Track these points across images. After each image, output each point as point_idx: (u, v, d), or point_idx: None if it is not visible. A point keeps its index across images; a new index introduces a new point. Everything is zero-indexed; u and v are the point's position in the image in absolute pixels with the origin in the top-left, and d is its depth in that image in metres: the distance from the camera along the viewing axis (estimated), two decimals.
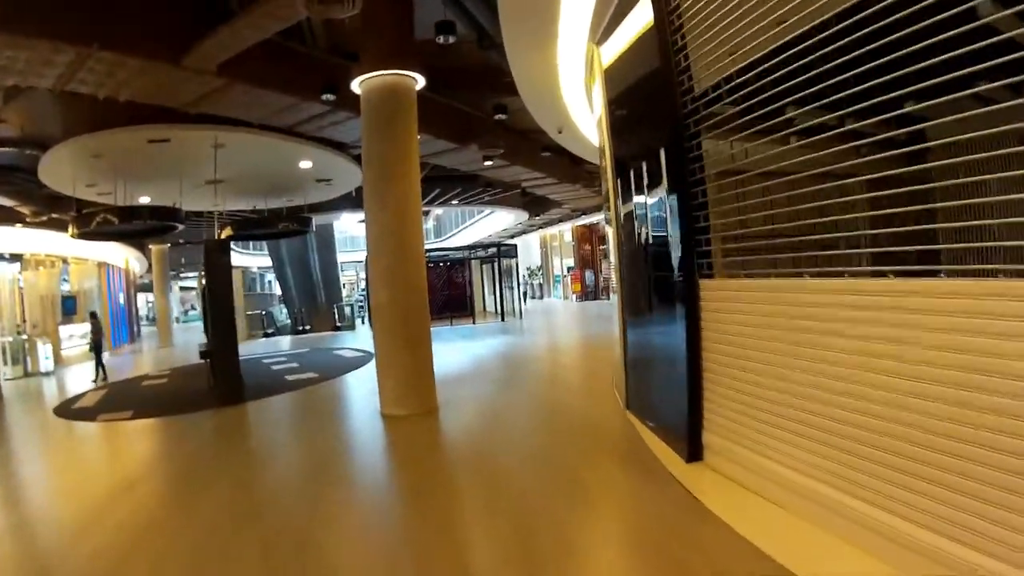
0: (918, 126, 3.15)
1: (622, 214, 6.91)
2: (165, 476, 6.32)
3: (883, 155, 3.36)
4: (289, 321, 28.81)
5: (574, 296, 35.12)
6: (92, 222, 14.10)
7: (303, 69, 9.89)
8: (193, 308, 43.23)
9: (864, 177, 3.49)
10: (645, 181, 5.93)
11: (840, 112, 3.55)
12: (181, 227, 15.22)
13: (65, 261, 23.21)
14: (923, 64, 3.01)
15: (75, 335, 21.85)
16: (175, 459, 6.98)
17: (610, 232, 8.25)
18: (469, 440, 6.83)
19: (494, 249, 26.21)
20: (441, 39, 8.47)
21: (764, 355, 4.45)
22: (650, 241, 5.96)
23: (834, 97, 3.55)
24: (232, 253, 33.30)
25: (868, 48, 3.30)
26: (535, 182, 19.57)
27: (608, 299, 31.20)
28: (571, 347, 14.99)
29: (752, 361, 4.59)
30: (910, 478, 3.22)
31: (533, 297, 36.34)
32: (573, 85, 9.36)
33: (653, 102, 5.69)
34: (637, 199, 6.24)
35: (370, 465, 6.29)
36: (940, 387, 3.05)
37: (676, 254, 5.42)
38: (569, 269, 37.37)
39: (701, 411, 5.28)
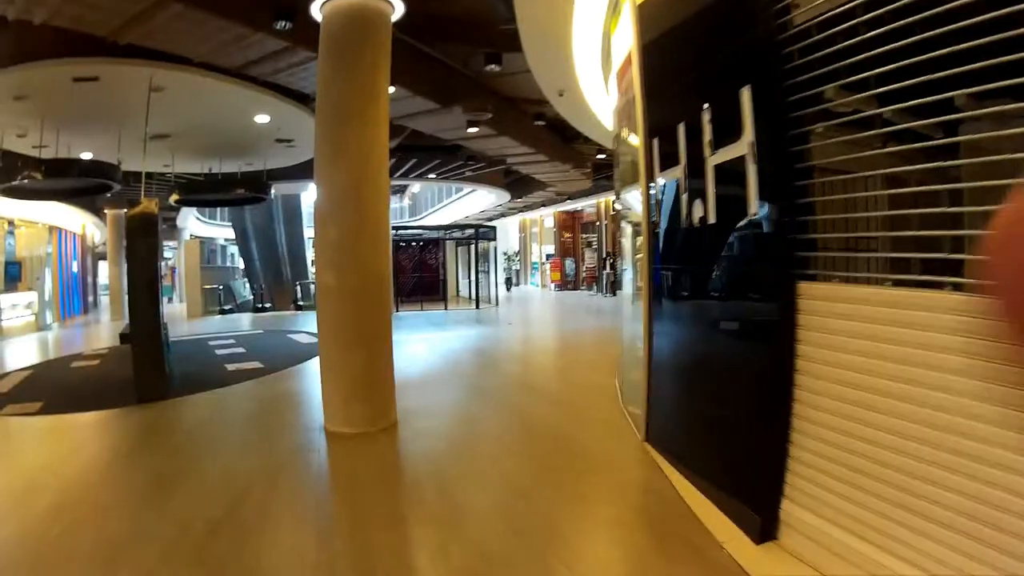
0: None
1: (662, 186, 5.16)
2: (29, 514, 4.47)
3: None
4: (251, 297, 26.81)
5: (552, 285, 33.48)
6: (15, 178, 12.14)
7: None
8: None
9: None
10: (707, 137, 4.19)
11: None
12: (117, 187, 13.22)
13: (11, 223, 21.05)
14: None
15: (19, 304, 19.87)
16: (54, 483, 5.11)
17: (632, 214, 6.53)
18: (432, 476, 5.04)
19: (471, 230, 24.39)
20: None
21: (894, 402, 2.93)
22: (713, 221, 4.22)
23: None
24: (194, 222, 31.16)
25: None
26: (522, 159, 17.75)
27: (592, 291, 30.02)
28: (558, 346, 13.22)
29: (874, 410, 3.03)
30: None
31: (509, 283, 34.51)
32: (587, 31, 7.60)
33: (727, 28, 4.00)
34: (690, 162, 4.51)
35: (292, 512, 4.47)
36: None
37: (762, 241, 3.71)
38: (548, 257, 35.70)
39: (783, 468, 3.59)
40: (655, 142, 5.16)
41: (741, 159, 3.77)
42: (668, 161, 4.90)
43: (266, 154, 15.96)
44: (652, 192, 5.35)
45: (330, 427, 6.22)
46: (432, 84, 11.48)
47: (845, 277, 3.32)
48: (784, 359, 3.54)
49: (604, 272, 27.82)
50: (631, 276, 7.76)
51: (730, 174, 3.94)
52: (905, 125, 2.92)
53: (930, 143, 2.84)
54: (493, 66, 10.25)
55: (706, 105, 4.21)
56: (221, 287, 26.20)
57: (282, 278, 27.18)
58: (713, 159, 4.14)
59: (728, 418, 4.16)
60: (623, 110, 6.63)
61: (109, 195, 15.08)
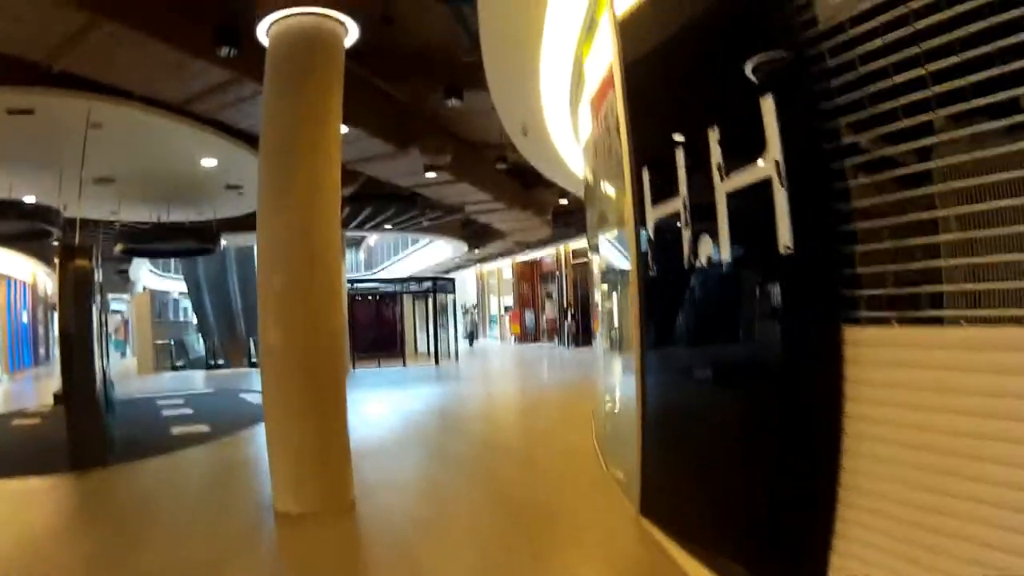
0: None
1: (653, 221, 4.53)
2: None
3: None
4: (204, 353, 25.53)
5: (512, 338, 32.74)
6: None
7: (192, 9, 7.34)
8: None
9: None
10: (716, 160, 3.59)
11: None
12: (57, 233, 12.24)
13: None
14: None
15: None
16: None
17: (609, 260, 5.93)
18: (398, 569, 4.23)
19: (429, 283, 23.62)
20: None
21: (983, 465, 2.26)
22: (727, 259, 3.58)
23: None
24: (147, 274, 29.78)
25: None
26: (481, 206, 17.21)
27: (553, 343, 29.26)
28: (526, 403, 12.46)
29: (952, 475, 2.37)
30: None
31: (472, 338, 33.59)
32: (555, 58, 7.08)
33: (740, 32, 3.45)
34: (693, 192, 3.90)
35: None
36: None
37: (794, 279, 3.09)
38: (507, 309, 35.03)
39: (828, 550, 2.91)
40: (644, 172, 4.56)
41: (765, 183, 3.15)
42: (663, 193, 4.29)
43: (216, 202, 15.12)
44: (642, 232, 4.71)
45: (279, 506, 5.32)
46: (388, 123, 10.89)
47: (903, 317, 2.69)
48: (828, 419, 2.88)
49: (566, 323, 27.22)
50: (604, 328, 7.17)
51: (749, 201, 3.32)
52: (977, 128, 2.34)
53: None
54: (454, 100, 9.66)
55: (713, 123, 3.62)
56: (173, 342, 24.89)
57: (235, 333, 25.98)
58: (725, 185, 3.53)
59: (754, 490, 3.47)
60: (599, 142, 6.06)
61: (54, 242, 14.03)
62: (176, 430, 9.51)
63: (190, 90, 8.70)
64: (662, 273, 4.53)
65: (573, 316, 26.72)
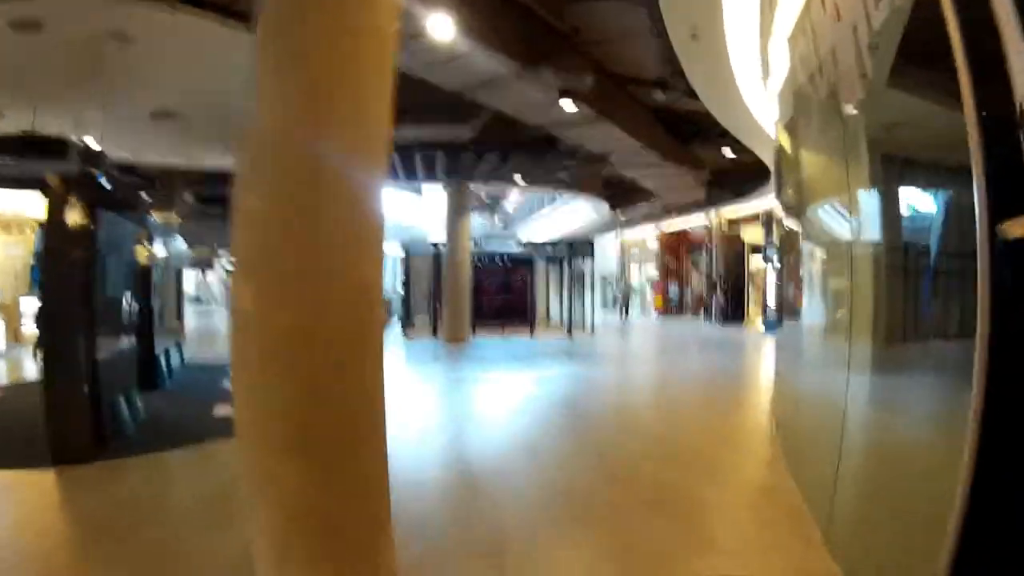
0: None
1: None
2: None
3: None
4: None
5: (654, 311, 29.80)
6: None
7: None
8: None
9: None
10: None
11: None
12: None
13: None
14: None
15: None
16: None
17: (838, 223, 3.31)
18: None
19: (565, 247, 21.12)
20: None
21: None
22: None
23: None
24: None
25: None
26: (629, 157, 14.42)
27: (699, 318, 26.02)
28: (679, 399, 9.53)
29: None
30: None
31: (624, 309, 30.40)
32: None
33: None
34: None
35: None
36: None
37: None
38: (650, 280, 32.02)
39: None
40: None
41: None
42: None
43: None
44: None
45: None
46: (512, 35, 8.43)
47: None
48: None
49: (714, 298, 24.08)
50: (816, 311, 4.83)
51: None
52: None
53: None
54: None
55: None
56: None
57: None
58: None
59: None
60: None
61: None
62: (221, 410, 7.64)
63: None
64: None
65: (723, 290, 23.54)
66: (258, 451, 2.94)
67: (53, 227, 5.99)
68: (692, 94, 10.51)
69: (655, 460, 5.91)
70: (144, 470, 5.59)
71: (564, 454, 6.20)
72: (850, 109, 3.54)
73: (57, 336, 5.90)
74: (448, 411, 8.53)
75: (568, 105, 9.82)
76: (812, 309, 5.17)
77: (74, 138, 9.15)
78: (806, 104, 4.76)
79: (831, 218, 4.45)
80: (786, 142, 6.14)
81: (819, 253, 5.06)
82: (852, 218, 3.77)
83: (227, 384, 9.86)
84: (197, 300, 38.67)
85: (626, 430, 7.28)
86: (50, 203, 5.98)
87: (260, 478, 2.93)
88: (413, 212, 27.68)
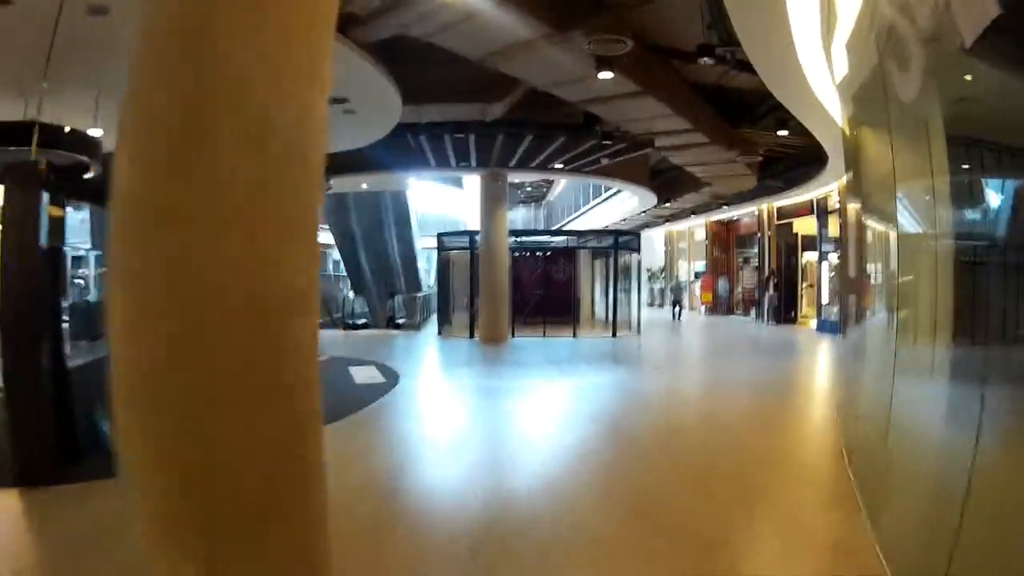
0: None
1: None
2: None
3: None
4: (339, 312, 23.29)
5: (702, 308, 28.32)
6: None
7: None
8: None
9: None
10: None
11: None
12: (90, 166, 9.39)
13: None
14: None
15: None
16: None
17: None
18: None
19: (610, 238, 19.87)
20: None
21: None
22: None
23: None
24: None
25: None
26: (674, 139, 13.13)
27: (749, 316, 24.35)
28: (739, 416, 8.16)
29: None
30: None
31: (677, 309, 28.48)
32: None
33: None
34: None
35: None
36: None
37: None
38: (697, 275, 30.51)
39: None
40: None
41: None
42: None
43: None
44: None
45: None
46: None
47: None
48: None
49: (767, 295, 22.60)
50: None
51: None
52: None
53: None
54: None
55: None
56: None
57: (389, 284, 23.50)
58: None
59: None
60: None
61: None
62: None
63: None
64: None
65: (776, 286, 22.08)
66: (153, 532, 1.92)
67: (11, 220, 5.13)
68: (741, 66, 9.31)
69: (708, 508, 4.73)
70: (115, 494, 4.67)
71: (596, 506, 5.03)
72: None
73: (18, 342, 5.05)
74: (465, 434, 7.42)
75: (606, 74, 8.63)
76: (909, 311, 3.98)
77: (53, 123, 8.27)
78: (900, 50, 3.58)
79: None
80: (862, 110, 5.00)
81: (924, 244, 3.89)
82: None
83: None
84: None
85: (675, 464, 6.05)
86: (7, 193, 5.16)
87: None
88: (455, 205, 26.74)
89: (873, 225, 5.32)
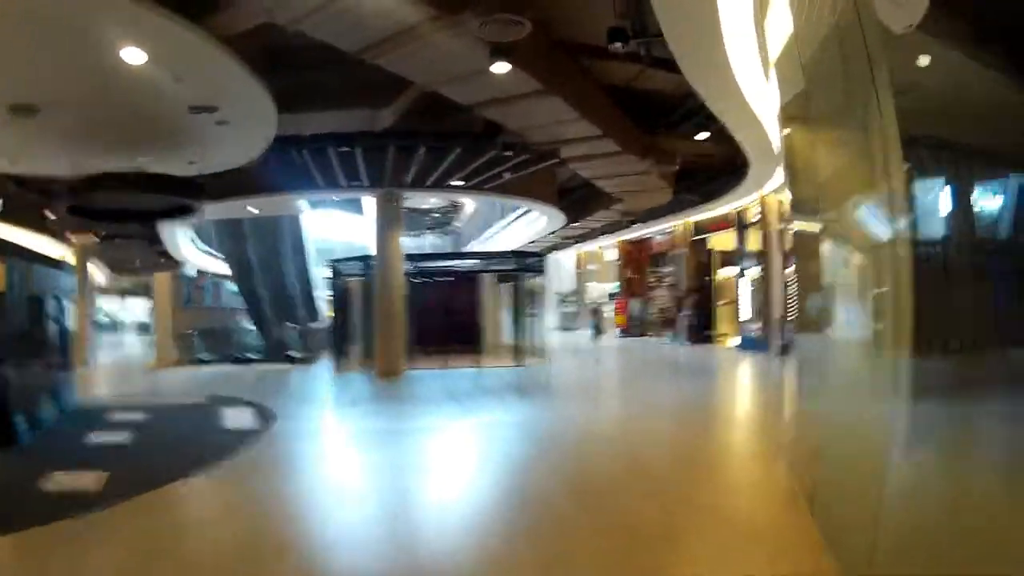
0: None
1: None
2: None
3: None
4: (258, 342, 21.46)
5: (616, 331, 27.54)
6: None
7: None
8: None
9: None
10: None
11: None
12: None
13: None
14: None
15: None
16: None
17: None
18: None
19: (513, 261, 18.64)
20: None
21: None
22: None
23: None
24: (193, 252, 25.34)
25: None
26: (583, 147, 12.04)
27: (666, 339, 23.61)
28: (675, 459, 6.96)
29: None
30: None
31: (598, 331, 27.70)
32: None
33: None
34: None
35: None
36: None
37: None
38: (611, 296, 29.85)
39: None
40: None
41: None
42: None
43: (205, 143, 10.39)
44: None
45: None
46: None
47: None
48: None
49: (681, 314, 21.94)
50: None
51: None
52: None
53: None
54: None
55: None
56: (196, 332, 20.83)
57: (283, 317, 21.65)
58: None
59: None
60: None
61: None
62: (57, 479, 6.06)
63: None
64: None
65: (694, 306, 21.49)
66: None
67: None
68: (657, 63, 8.35)
69: None
70: None
71: None
72: None
73: None
74: (332, 500, 5.91)
75: (502, 67, 7.42)
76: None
77: None
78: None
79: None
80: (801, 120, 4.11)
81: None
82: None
83: (111, 431, 8.42)
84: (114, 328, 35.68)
85: (596, 532, 4.76)
86: None
87: None
88: (358, 233, 25.03)
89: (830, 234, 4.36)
